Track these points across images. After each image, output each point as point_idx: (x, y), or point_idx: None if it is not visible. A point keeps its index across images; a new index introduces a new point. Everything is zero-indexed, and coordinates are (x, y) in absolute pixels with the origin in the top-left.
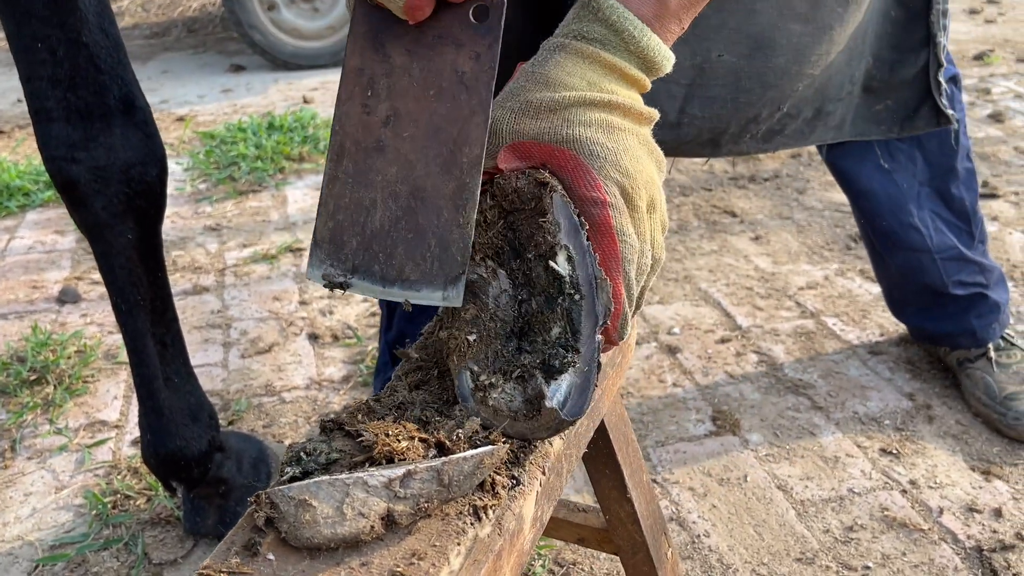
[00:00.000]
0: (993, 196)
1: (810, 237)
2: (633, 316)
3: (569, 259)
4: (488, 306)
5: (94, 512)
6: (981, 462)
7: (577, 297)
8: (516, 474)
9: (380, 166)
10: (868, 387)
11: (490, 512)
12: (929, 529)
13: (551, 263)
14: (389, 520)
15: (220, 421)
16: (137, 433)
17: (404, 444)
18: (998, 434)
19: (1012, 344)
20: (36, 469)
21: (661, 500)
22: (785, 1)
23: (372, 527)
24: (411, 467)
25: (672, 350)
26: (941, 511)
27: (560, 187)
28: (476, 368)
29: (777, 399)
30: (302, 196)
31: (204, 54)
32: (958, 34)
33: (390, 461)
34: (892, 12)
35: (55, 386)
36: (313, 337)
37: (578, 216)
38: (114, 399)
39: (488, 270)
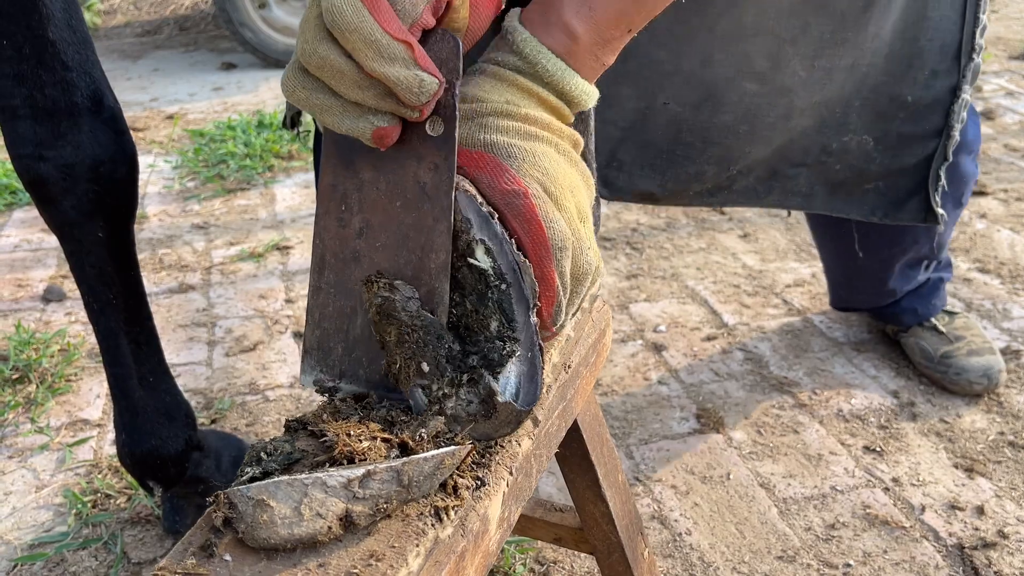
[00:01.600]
0: (982, 194)
1: (798, 235)
2: (571, 316)
3: (487, 251)
4: (404, 321)
5: (74, 511)
6: (964, 459)
7: (504, 287)
8: (481, 475)
9: (357, 275)
10: (853, 385)
11: (452, 513)
12: (911, 527)
13: (471, 260)
14: (347, 521)
15: (203, 420)
16: None
17: (366, 444)
18: (946, 392)
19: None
20: (16, 468)
21: (643, 498)
22: (744, 57)
23: (330, 528)
24: (370, 467)
25: (658, 348)
26: (923, 509)
27: (463, 184)
28: (424, 382)
29: (762, 397)
30: (290, 194)
31: (195, 52)
32: None
33: (351, 461)
34: (909, 97)
35: (37, 385)
36: (298, 335)
37: (484, 207)
38: (97, 398)
39: (383, 286)
